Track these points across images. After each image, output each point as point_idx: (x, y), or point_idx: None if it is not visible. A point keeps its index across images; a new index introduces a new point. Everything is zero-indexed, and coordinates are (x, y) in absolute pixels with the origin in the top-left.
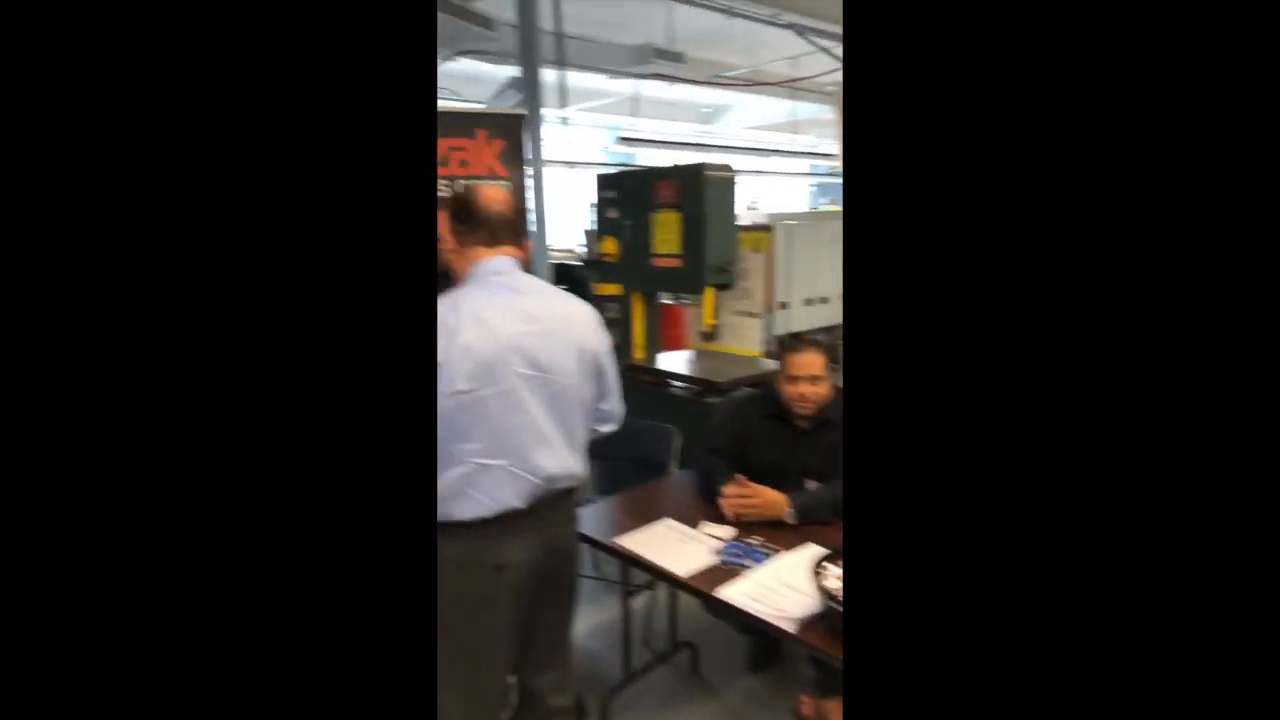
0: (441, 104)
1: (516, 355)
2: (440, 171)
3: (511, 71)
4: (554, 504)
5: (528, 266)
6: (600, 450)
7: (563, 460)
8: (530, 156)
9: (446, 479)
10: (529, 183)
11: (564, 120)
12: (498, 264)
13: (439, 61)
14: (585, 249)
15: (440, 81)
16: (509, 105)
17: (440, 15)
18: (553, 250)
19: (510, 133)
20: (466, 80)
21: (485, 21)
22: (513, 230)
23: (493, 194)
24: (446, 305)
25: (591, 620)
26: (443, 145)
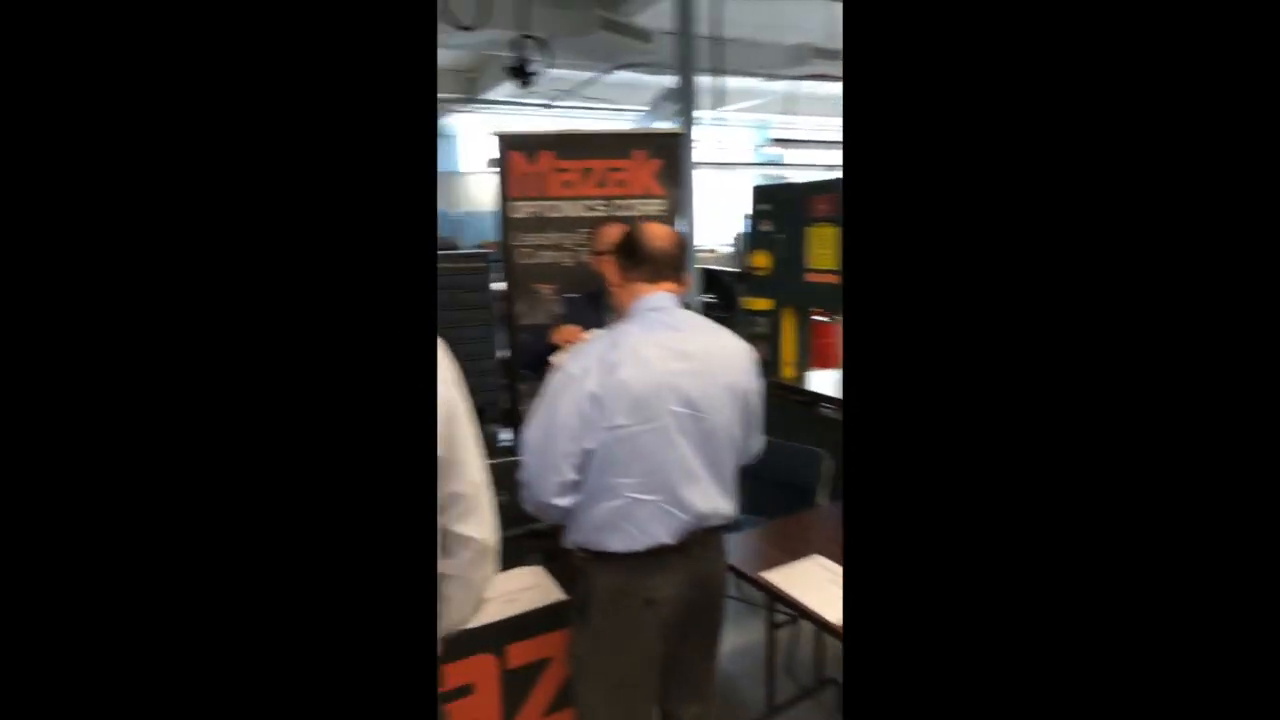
0: (599, 126)
1: (671, 393)
2: (599, 192)
3: (669, 80)
4: (703, 540)
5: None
6: (743, 470)
7: (712, 498)
8: (683, 165)
9: (601, 511)
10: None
11: (718, 121)
12: (658, 300)
13: (600, 75)
14: (732, 248)
15: (599, 92)
16: (665, 112)
17: (601, 33)
18: (700, 251)
19: (668, 151)
20: (625, 89)
21: (644, 35)
22: (674, 266)
23: (657, 232)
24: (607, 341)
25: (734, 643)
26: (600, 166)
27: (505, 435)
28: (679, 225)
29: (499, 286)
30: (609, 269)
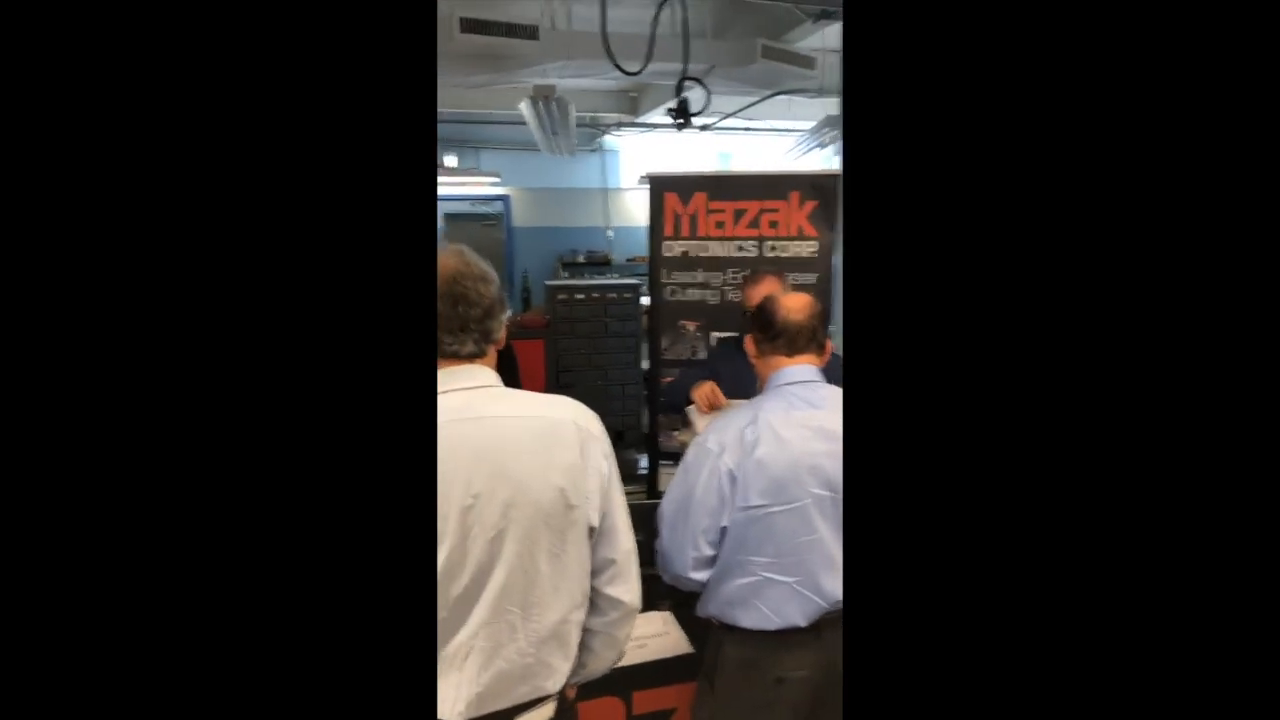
0: (758, 145)
1: (810, 475)
2: (750, 232)
3: (832, 102)
4: (836, 624)
5: (829, 367)
6: None
7: None
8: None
9: (734, 586)
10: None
11: None
12: (798, 372)
13: (758, 100)
14: None
15: (759, 112)
16: (827, 136)
17: (762, 61)
18: None
19: (824, 193)
20: (784, 106)
21: (807, 61)
22: (812, 337)
23: (792, 304)
24: (746, 417)
25: None
26: (754, 207)
27: (644, 462)
28: (833, 261)
29: (644, 300)
30: (747, 342)
